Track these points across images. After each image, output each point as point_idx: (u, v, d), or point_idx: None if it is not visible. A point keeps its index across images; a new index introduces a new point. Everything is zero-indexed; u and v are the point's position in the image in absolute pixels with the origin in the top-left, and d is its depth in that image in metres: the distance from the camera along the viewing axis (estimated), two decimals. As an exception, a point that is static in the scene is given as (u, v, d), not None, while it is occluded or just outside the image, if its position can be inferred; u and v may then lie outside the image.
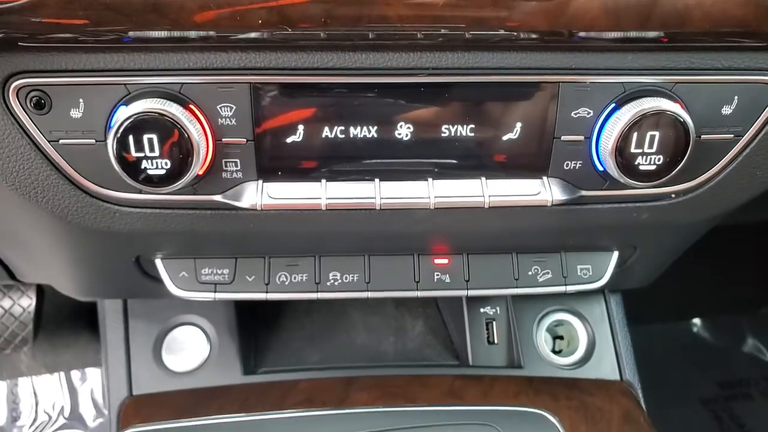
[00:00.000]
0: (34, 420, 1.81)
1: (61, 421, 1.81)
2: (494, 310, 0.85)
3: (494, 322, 0.84)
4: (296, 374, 0.81)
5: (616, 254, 0.71)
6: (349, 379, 0.79)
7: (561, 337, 0.86)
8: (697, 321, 1.90)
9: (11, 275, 0.82)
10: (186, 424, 0.74)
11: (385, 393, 0.77)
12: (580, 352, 0.85)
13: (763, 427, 1.66)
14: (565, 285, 0.71)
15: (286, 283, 0.69)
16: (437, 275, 0.70)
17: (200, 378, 0.80)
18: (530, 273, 0.70)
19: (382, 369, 0.82)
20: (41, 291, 0.98)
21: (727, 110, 0.58)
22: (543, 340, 0.85)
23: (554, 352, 0.85)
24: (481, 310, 0.85)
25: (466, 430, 0.72)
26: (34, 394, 1.86)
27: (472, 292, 0.70)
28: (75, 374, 1.88)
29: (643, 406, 0.81)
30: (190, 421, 0.75)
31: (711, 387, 1.76)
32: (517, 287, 0.70)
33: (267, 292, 0.69)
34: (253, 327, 0.88)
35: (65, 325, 1.26)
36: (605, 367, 0.83)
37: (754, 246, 1.52)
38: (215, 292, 0.69)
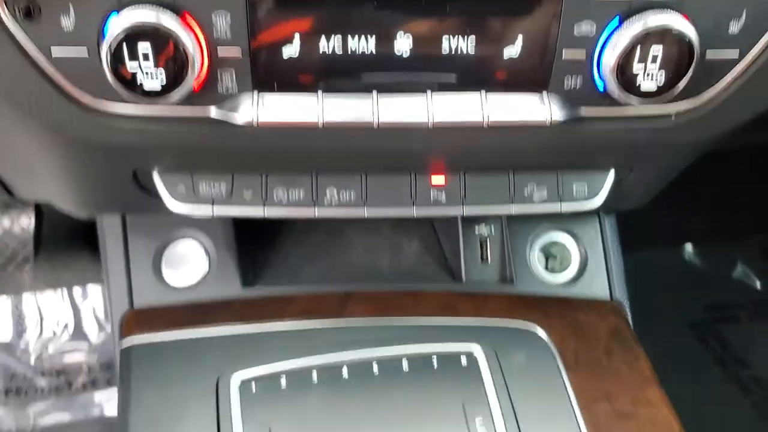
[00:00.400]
0: (40, 335, 1.86)
1: (66, 337, 1.86)
2: (488, 230, 0.86)
3: (488, 241, 0.86)
4: (294, 288, 0.83)
5: (612, 174, 0.72)
6: (345, 293, 0.82)
7: (554, 257, 0.88)
8: (688, 248, 1.93)
9: (9, 192, 0.82)
10: (186, 335, 0.77)
11: (380, 306, 0.80)
12: (572, 272, 0.87)
13: (747, 348, 1.72)
14: (560, 203, 0.71)
15: (284, 200, 0.69)
16: (434, 194, 0.70)
17: (200, 291, 0.82)
18: (526, 192, 0.71)
19: (378, 285, 0.84)
20: (39, 210, 0.99)
21: (734, 27, 0.56)
22: (536, 259, 0.87)
23: (546, 269, 0.87)
24: (476, 230, 0.86)
25: (449, 347, 0.75)
26: (38, 310, 1.90)
27: (467, 211, 0.71)
28: (77, 291, 1.92)
29: (631, 325, 0.83)
30: (191, 331, 0.77)
31: (699, 311, 1.80)
32: (512, 204, 0.71)
33: (265, 207, 0.69)
34: (252, 244, 0.89)
35: (65, 244, 1.28)
36: (596, 287, 0.85)
37: (747, 174, 1.53)
38: (213, 206, 0.70)
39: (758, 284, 1.85)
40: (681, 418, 0.74)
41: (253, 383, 0.72)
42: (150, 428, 0.70)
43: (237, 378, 0.72)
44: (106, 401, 1.72)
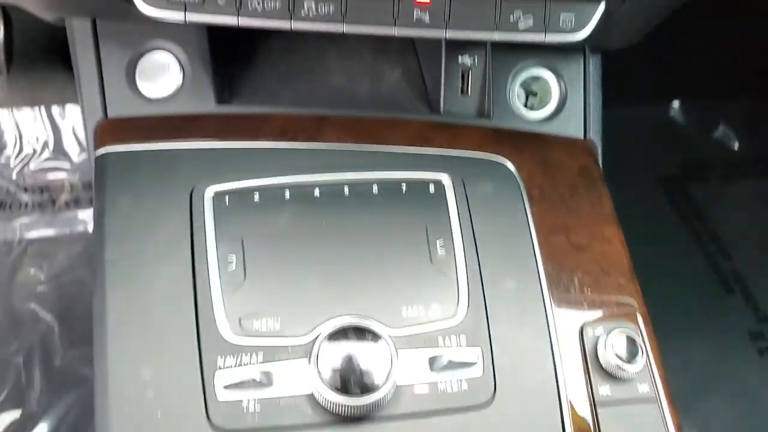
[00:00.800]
0: (20, 151, 1.86)
1: (46, 154, 1.87)
2: (472, 60, 0.84)
3: (470, 72, 0.84)
4: (269, 108, 0.82)
5: (602, 5, 0.69)
6: (321, 117, 0.81)
7: (534, 94, 0.87)
8: (674, 104, 1.92)
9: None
10: (160, 147, 0.77)
11: (355, 132, 0.80)
12: (550, 108, 0.86)
13: (711, 206, 1.78)
14: (546, 33, 0.69)
15: (258, 9, 0.67)
16: (417, 13, 0.67)
17: (174, 105, 0.81)
18: (512, 18, 0.68)
19: (355, 110, 0.83)
20: (8, 18, 0.94)
21: None
22: (516, 95, 0.86)
23: (525, 106, 0.87)
24: (459, 59, 0.84)
25: (419, 174, 0.76)
26: (16, 126, 1.88)
27: (450, 34, 0.69)
28: (55, 110, 1.90)
29: (600, 165, 0.85)
30: (165, 144, 0.77)
31: (673, 167, 1.84)
32: (496, 31, 0.69)
33: (238, 16, 0.67)
34: (228, 62, 0.87)
35: (42, 61, 1.23)
36: (572, 125, 0.86)
37: (738, 33, 1.48)
38: (185, 12, 0.67)
39: (736, 145, 1.87)
40: (633, 257, 0.78)
41: (226, 196, 0.74)
42: (124, 235, 0.71)
43: (211, 190, 0.74)
44: (90, 219, 1.77)
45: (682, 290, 1.57)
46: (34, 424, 1.39)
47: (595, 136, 0.86)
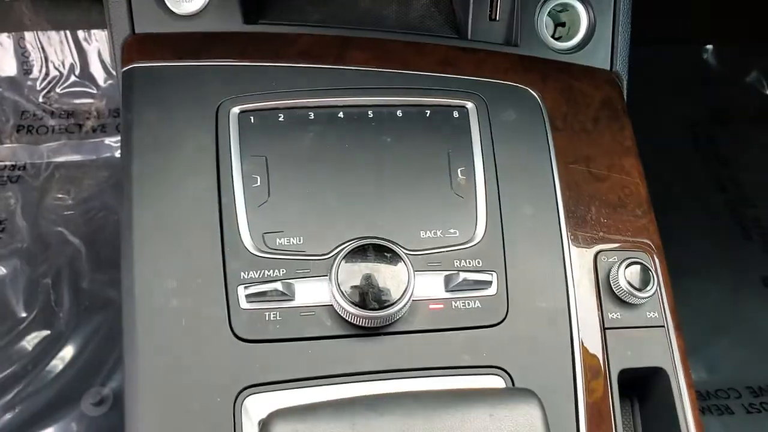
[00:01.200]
0: (46, 75, 1.87)
1: (73, 78, 1.88)
2: (500, -16, 0.83)
3: (499, -2, 0.83)
4: (297, 29, 0.82)
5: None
6: (348, 38, 0.81)
7: (563, 24, 0.86)
8: (708, 47, 1.87)
9: None
10: (187, 64, 0.78)
11: (381, 55, 0.79)
12: (577, 38, 0.85)
13: (733, 152, 1.76)
14: None
15: None
16: None
17: (201, 22, 0.81)
18: None
19: (381, 33, 0.83)
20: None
21: None
22: (544, 24, 0.85)
23: (553, 37, 0.86)
24: (488, -19, 0.83)
25: (443, 100, 0.76)
26: (42, 49, 1.89)
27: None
28: (81, 34, 1.89)
29: (625, 98, 0.84)
30: (192, 61, 0.78)
31: (701, 111, 1.81)
32: None
33: None
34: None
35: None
36: (599, 57, 0.85)
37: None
38: None
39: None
40: (652, 197, 0.78)
41: (251, 115, 0.75)
42: (151, 149, 0.72)
43: (236, 108, 0.75)
44: (116, 145, 1.80)
45: (701, 233, 1.57)
46: (63, 344, 1.44)
47: (622, 68, 0.85)
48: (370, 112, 0.75)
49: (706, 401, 1.43)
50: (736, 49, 1.82)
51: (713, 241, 1.60)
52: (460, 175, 0.73)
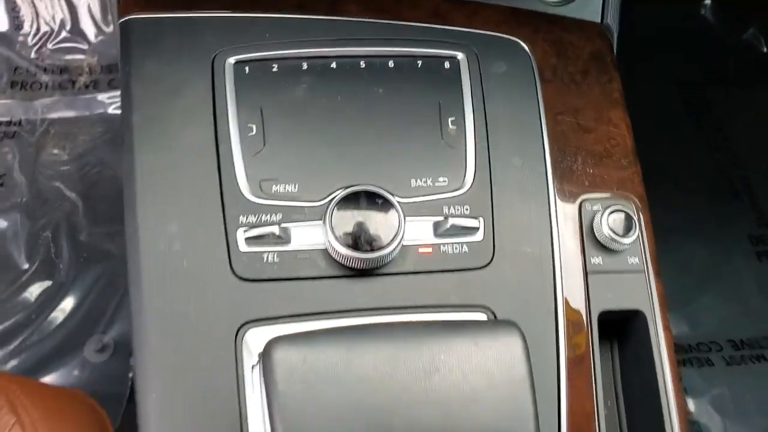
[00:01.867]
0: (37, 30, 1.86)
1: (64, 34, 1.87)
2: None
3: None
4: (290, -21, 0.82)
5: None
6: (340, -10, 0.82)
7: (554, -23, 0.87)
8: (706, 2, 1.85)
9: None
10: (183, 15, 0.79)
11: (373, 6, 0.80)
12: (568, -10, 0.86)
13: (728, 116, 1.76)
14: None
15: None
16: None
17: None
18: None
19: (374, -16, 0.84)
20: None
21: None
22: (535, -25, 0.86)
23: (544, -10, 0.86)
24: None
25: (435, 51, 0.77)
26: (33, 4, 1.87)
27: None
28: (72, -13, 1.87)
29: (614, 51, 0.86)
30: (187, 12, 0.79)
31: (694, 69, 1.81)
32: None
33: None
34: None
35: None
36: (590, 9, 0.86)
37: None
38: None
39: (765, 48, 1.82)
40: (641, 155, 0.80)
41: (246, 65, 0.76)
42: (150, 99, 0.74)
43: (231, 59, 0.76)
44: (109, 101, 1.80)
45: (688, 191, 1.60)
46: (64, 294, 1.49)
47: (613, 21, 0.86)
48: (362, 63, 0.77)
49: (687, 354, 1.47)
50: (732, 5, 1.81)
51: (701, 199, 1.62)
52: (450, 125, 0.75)
